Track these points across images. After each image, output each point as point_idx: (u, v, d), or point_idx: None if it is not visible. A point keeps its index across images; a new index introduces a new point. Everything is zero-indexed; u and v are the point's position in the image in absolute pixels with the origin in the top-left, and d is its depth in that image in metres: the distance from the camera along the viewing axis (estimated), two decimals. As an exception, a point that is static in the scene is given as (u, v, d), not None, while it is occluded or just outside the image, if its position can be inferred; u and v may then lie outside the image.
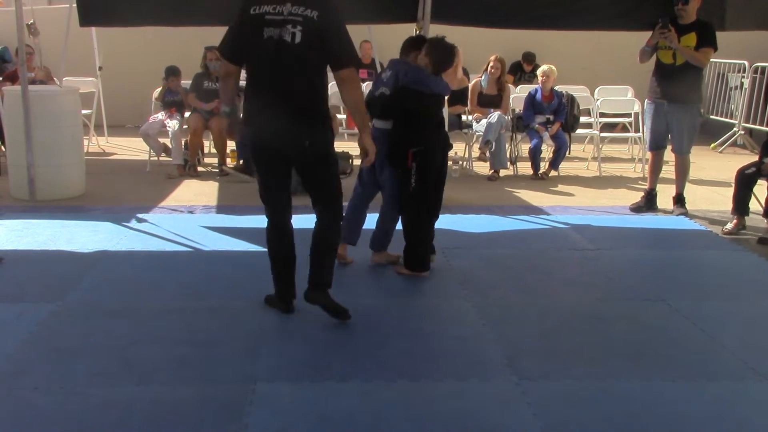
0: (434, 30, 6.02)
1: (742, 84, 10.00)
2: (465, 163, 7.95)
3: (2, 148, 7.21)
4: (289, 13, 3.44)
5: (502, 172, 7.68)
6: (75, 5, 6.37)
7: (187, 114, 7.59)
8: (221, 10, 6.04)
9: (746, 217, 5.70)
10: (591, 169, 8.17)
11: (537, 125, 7.68)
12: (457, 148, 7.33)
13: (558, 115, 7.72)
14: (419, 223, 4.43)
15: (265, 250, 4.62)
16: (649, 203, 6.34)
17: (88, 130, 8.50)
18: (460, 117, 8.00)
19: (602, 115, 8.61)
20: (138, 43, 9.63)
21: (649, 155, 6.51)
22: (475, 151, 7.99)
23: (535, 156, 7.66)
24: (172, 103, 7.72)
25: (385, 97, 4.32)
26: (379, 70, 7.94)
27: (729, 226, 5.69)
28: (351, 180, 7.04)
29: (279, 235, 3.79)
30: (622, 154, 9.00)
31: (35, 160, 6.05)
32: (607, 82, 9.34)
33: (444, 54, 4.33)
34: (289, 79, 3.50)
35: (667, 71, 6.01)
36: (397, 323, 3.84)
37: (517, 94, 8.42)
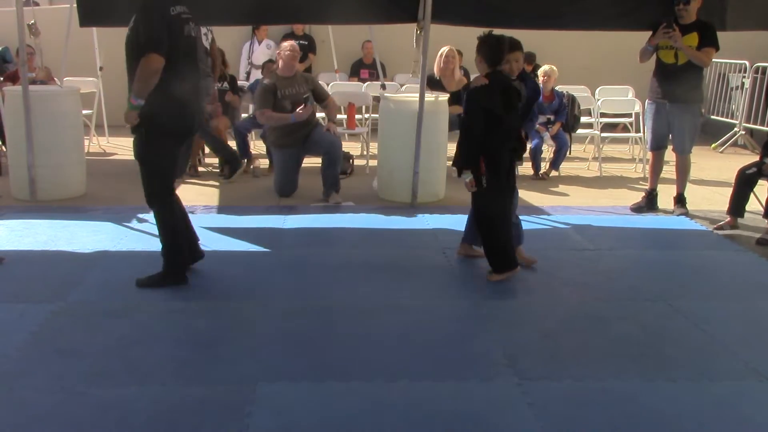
0: (434, 30, 6.04)
1: (743, 84, 10.00)
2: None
3: (3, 148, 7.21)
4: (187, 13, 4.05)
5: (503, 172, 7.67)
6: (75, 5, 6.38)
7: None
8: (221, 10, 6.05)
9: (741, 219, 5.72)
10: (592, 170, 8.16)
11: (538, 125, 7.67)
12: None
13: (559, 115, 7.71)
14: (494, 225, 4.38)
15: (266, 250, 4.61)
16: (649, 203, 6.34)
17: (89, 131, 8.49)
18: (460, 117, 7.96)
19: (603, 115, 8.60)
20: (139, 44, 9.62)
21: (649, 155, 6.51)
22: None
23: (535, 156, 7.65)
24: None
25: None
26: (380, 70, 7.96)
27: (721, 223, 5.73)
28: (351, 180, 7.06)
29: (180, 206, 4.22)
30: (622, 154, 8.99)
31: (36, 160, 6.05)
32: (608, 82, 9.33)
33: (495, 47, 4.24)
34: (197, 68, 4.18)
35: (669, 71, 6.00)
36: (398, 323, 3.84)
37: (518, 95, 8.40)
